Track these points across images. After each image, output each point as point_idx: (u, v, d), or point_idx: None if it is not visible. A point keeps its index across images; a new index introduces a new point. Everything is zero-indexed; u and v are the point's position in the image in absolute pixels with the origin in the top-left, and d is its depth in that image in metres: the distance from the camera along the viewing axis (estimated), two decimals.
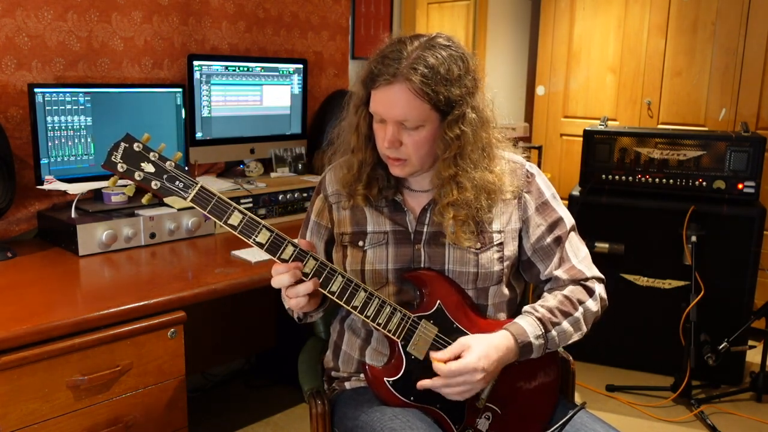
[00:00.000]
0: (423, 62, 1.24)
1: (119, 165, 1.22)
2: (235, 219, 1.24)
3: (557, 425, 1.37)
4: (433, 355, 1.28)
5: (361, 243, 1.40)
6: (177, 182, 1.24)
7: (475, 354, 1.25)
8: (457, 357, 1.26)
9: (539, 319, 1.34)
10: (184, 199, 1.24)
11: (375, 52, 1.31)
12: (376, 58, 1.29)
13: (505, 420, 1.38)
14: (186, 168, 1.26)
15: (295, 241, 1.27)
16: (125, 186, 1.26)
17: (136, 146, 1.23)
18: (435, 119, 1.28)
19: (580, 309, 1.37)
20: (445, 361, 1.26)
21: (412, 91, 1.24)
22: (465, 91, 1.28)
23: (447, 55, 1.27)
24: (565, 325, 1.35)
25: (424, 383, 1.27)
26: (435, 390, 1.27)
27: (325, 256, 1.45)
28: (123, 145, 1.23)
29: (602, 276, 1.44)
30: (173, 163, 1.24)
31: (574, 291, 1.39)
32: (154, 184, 1.23)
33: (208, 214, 1.24)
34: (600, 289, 1.41)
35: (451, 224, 1.33)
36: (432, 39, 1.29)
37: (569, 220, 1.44)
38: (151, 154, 1.23)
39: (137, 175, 1.22)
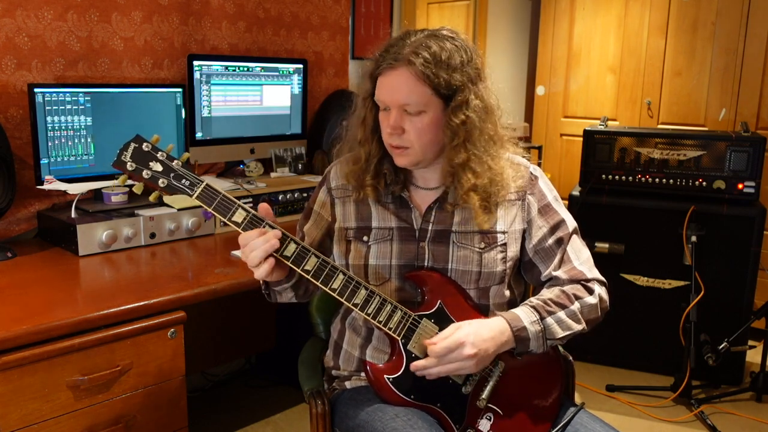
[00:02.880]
0: (425, 48, 1.27)
1: (128, 164, 1.26)
2: (239, 216, 1.27)
3: (557, 427, 1.38)
4: (427, 340, 1.30)
5: (365, 238, 1.41)
6: (183, 180, 1.27)
7: (464, 331, 1.27)
8: None
9: (533, 307, 1.35)
10: (190, 196, 1.27)
11: (380, 46, 1.34)
12: (382, 48, 1.33)
13: (506, 421, 1.38)
14: (191, 167, 1.29)
15: (298, 239, 1.29)
16: (131, 186, 1.29)
17: (145, 146, 1.27)
18: (437, 105, 1.30)
19: (577, 303, 1.37)
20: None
21: (414, 75, 1.27)
22: (467, 78, 1.30)
23: (450, 44, 1.30)
24: (562, 315, 1.35)
25: (417, 364, 1.28)
26: (429, 372, 1.28)
27: (321, 248, 1.45)
28: (132, 145, 1.27)
29: (604, 279, 1.44)
30: (180, 163, 1.28)
31: (572, 288, 1.39)
32: (162, 182, 1.26)
33: (212, 211, 1.27)
34: (600, 290, 1.41)
35: (478, 208, 1.35)
36: (436, 30, 1.33)
37: (571, 222, 1.44)
38: (159, 153, 1.27)
39: (145, 174, 1.26)
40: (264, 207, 1.29)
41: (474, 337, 1.27)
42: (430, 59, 1.27)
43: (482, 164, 1.33)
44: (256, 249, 1.23)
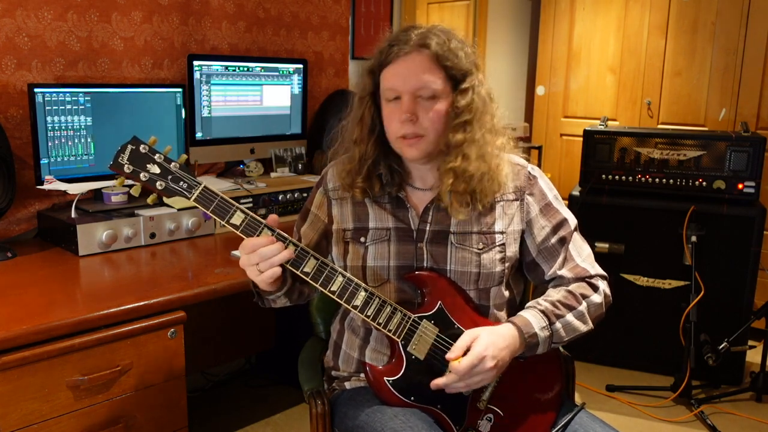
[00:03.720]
0: (435, 36, 1.30)
1: (126, 166, 1.25)
2: (238, 219, 1.26)
3: (557, 427, 1.38)
4: (448, 356, 1.27)
5: (362, 239, 1.41)
6: (181, 183, 1.26)
7: (483, 342, 1.26)
8: (468, 349, 1.27)
9: (543, 312, 1.34)
10: (188, 199, 1.26)
11: (381, 43, 1.34)
12: (385, 43, 1.33)
13: (507, 423, 1.38)
14: (189, 169, 1.29)
15: (299, 236, 1.29)
16: (131, 186, 1.29)
17: (142, 148, 1.26)
18: (448, 92, 1.32)
19: (584, 303, 1.37)
20: (459, 358, 1.26)
21: (429, 58, 1.30)
22: (472, 65, 1.34)
23: (451, 35, 1.34)
24: (570, 317, 1.35)
25: (438, 382, 1.27)
26: (449, 388, 1.27)
27: (317, 250, 1.45)
28: (130, 147, 1.26)
29: (605, 274, 1.44)
30: (178, 165, 1.27)
31: (577, 287, 1.39)
32: (159, 185, 1.26)
33: (211, 214, 1.26)
34: (604, 286, 1.42)
35: (449, 193, 1.34)
36: (433, 26, 1.36)
37: (572, 220, 1.45)
38: (157, 155, 1.26)
39: (143, 176, 1.25)
40: (273, 218, 1.28)
41: (493, 348, 1.26)
42: (443, 44, 1.30)
43: (477, 150, 1.33)
44: (266, 258, 1.23)
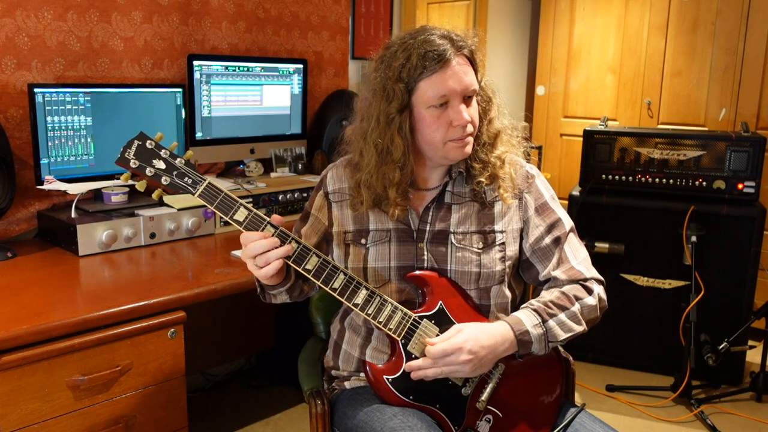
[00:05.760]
0: (458, 36, 1.34)
1: (132, 161, 1.27)
2: (241, 215, 1.27)
3: (558, 428, 1.38)
4: (428, 340, 1.30)
5: (363, 240, 1.41)
6: (186, 178, 1.28)
7: (464, 335, 1.27)
8: None
9: (535, 310, 1.35)
10: (193, 194, 1.28)
11: (403, 50, 1.32)
12: (418, 51, 1.30)
13: (506, 423, 1.38)
14: (194, 165, 1.30)
15: (299, 238, 1.29)
16: (132, 186, 1.30)
17: (148, 144, 1.28)
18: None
19: (577, 304, 1.37)
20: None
21: (467, 60, 1.34)
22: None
23: (469, 35, 1.38)
24: (563, 317, 1.35)
25: (411, 364, 1.29)
26: (422, 372, 1.28)
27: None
28: (136, 142, 1.28)
29: (601, 278, 1.44)
30: (183, 161, 1.29)
31: (571, 289, 1.39)
32: (164, 180, 1.27)
33: (215, 209, 1.28)
34: (599, 290, 1.41)
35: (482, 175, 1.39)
36: (448, 29, 1.38)
37: (568, 221, 1.44)
38: (163, 151, 1.28)
39: (148, 171, 1.27)
40: (277, 218, 1.29)
41: (473, 343, 1.26)
42: (471, 44, 1.35)
43: (508, 140, 1.43)
44: (260, 253, 1.24)
